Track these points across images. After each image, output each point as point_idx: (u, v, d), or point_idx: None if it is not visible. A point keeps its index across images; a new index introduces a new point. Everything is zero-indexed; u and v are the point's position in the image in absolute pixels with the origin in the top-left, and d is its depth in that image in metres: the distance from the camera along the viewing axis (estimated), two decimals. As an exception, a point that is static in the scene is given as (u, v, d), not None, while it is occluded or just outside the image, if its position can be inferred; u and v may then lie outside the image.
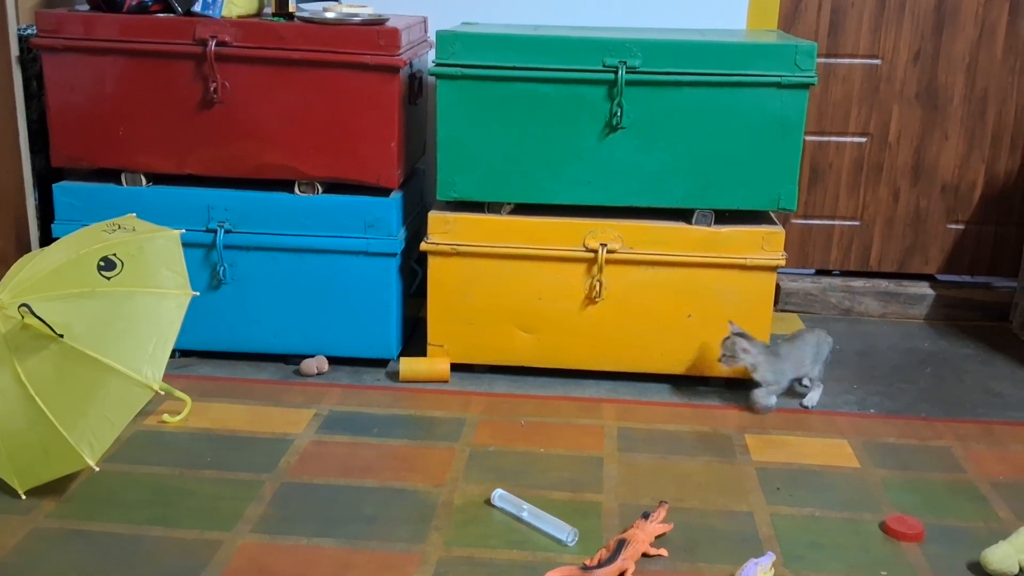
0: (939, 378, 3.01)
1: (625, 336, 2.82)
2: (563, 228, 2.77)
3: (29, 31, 2.84)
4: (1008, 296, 3.48)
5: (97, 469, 2.15)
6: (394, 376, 2.87)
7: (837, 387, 2.90)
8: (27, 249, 2.88)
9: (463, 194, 2.80)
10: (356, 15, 2.78)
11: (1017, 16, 3.35)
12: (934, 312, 3.52)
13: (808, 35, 3.39)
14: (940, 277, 3.62)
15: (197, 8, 2.76)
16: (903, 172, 3.50)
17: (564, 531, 2.08)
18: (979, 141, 3.46)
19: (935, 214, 3.54)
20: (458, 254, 2.80)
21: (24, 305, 2.10)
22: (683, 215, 2.80)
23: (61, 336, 2.11)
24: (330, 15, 2.77)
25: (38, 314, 2.10)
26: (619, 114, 2.70)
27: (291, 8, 2.86)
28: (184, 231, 2.44)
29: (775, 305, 3.14)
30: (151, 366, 2.19)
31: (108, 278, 2.22)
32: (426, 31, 3.10)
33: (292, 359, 2.92)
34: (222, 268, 2.83)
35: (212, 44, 2.69)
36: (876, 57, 3.41)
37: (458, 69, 2.70)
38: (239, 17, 2.81)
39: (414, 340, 3.05)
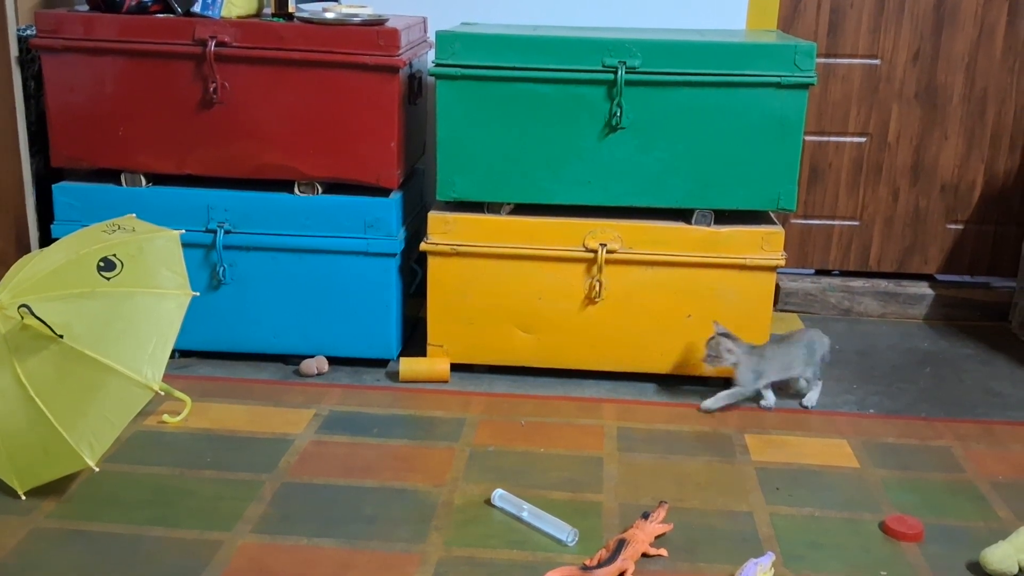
0: (939, 378, 3.01)
1: (625, 336, 2.82)
2: (563, 228, 2.77)
3: (28, 31, 2.84)
4: (1007, 296, 3.49)
5: (97, 469, 2.15)
6: (394, 376, 2.87)
7: (837, 387, 2.90)
8: (27, 250, 2.88)
9: (463, 194, 2.80)
10: (356, 15, 2.78)
11: (1016, 16, 3.36)
12: (933, 312, 3.52)
13: (807, 35, 3.39)
14: (939, 277, 3.62)
15: (197, 8, 2.76)
16: (902, 172, 3.50)
17: (564, 531, 2.08)
18: (978, 141, 3.46)
19: (934, 214, 3.54)
20: (458, 254, 2.80)
21: (24, 306, 2.10)
22: (683, 215, 2.80)
23: (61, 336, 2.11)
24: (330, 15, 2.77)
25: (38, 314, 2.10)
26: (619, 114, 2.70)
27: (291, 8, 2.86)
28: (184, 231, 2.44)
29: (775, 305, 3.14)
30: (151, 366, 2.19)
31: (108, 278, 2.22)
32: (426, 31, 3.10)
33: (292, 359, 2.92)
34: (222, 268, 2.83)
35: (212, 44, 2.69)
36: (875, 57, 3.41)
37: (458, 69, 2.70)
38: (239, 17, 2.82)
39: (414, 340, 3.05)
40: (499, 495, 2.20)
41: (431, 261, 2.81)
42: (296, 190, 2.82)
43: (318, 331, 2.87)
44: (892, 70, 3.42)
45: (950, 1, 3.35)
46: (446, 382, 2.84)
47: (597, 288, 2.78)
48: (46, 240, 2.87)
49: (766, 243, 2.76)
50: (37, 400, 2.11)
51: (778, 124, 2.71)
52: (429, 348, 2.87)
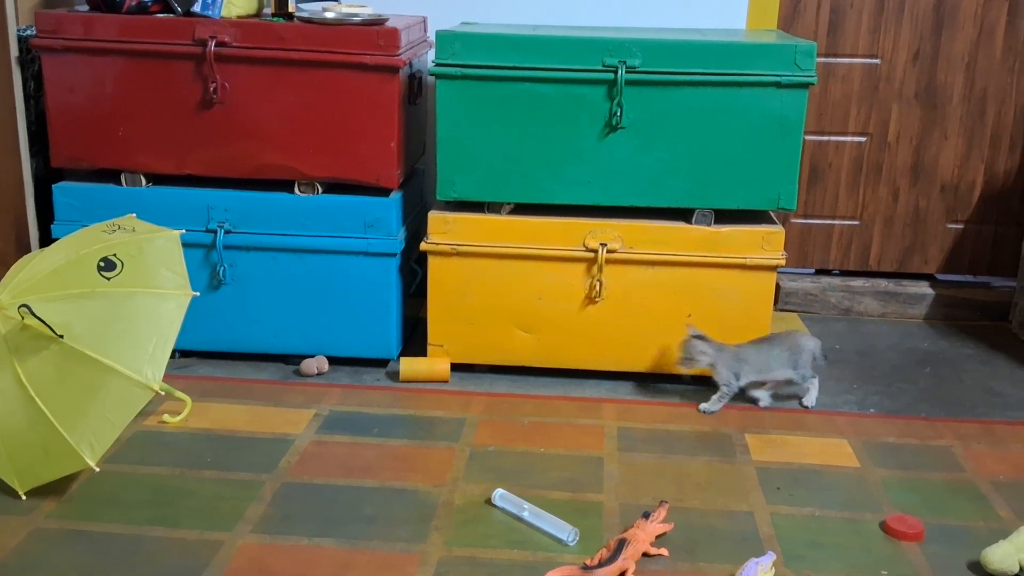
0: (939, 378, 3.01)
1: (625, 336, 2.82)
2: (563, 228, 2.77)
3: (28, 32, 2.84)
4: (1008, 296, 3.48)
5: (97, 469, 2.15)
6: (394, 376, 2.87)
7: (837, 387, 2.90)
8: (27, 250, 2.88)
9: (463, 194, 2.80)
10: (356, 15, 2.78)
11: (1016, 16, 3.35)
12: (934, 312, 3.52)
13: (807, 35, 3.39)
14: (940, 277, 3.62)
15: (196, 8, 2.76)
16: (902, 172, 3.50)
17: (565, 531, 2.08)
18: (978, 141, 3.46)
19: (935, 214, 3.54)
20: (458, 254, 2.80)
21: (24, 306, 2.10)
22: (683, 215, 2.80)
23: (61, 337, 2.11)
24: (330, 15, 2.77)
25: (38, 315, 2.10)
26: (619, 114, 2.70)
27: (290, 8, 2.86)
28: (184, 231, 2.43)
29: (775, 305, 3.14)
30: (151, 366, 2.19)
31: (108, 278, 2.22)
32: (426, 31, 3.10)
33: (292, 359, 2.92)
34: (222, 268, 2.82)
35: (212, 44, 2.69)
36: (875, 57, 3.41)
37: (458, 69, 2.70)
38: (238, 17, 2.81)
39: (414, 340, 3.05)
40: (500, 495, 2.20)
41: (431, 261, 2.81)
42: (296, 190, 2.82)
43: (318, 331, 2.87)
44: (892, 70, 3.42)
45: (950, 1, 3.35)
46: (446, 382, 2.84)
47: (597, 288, 2.78)
48: (46, 240, 2.87)
49: (766, 243, 2.76)
50: (37, 400, 2.11)
51: (778, 124, 2.71)
52: (429, 348, 2.87)
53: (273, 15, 2.88)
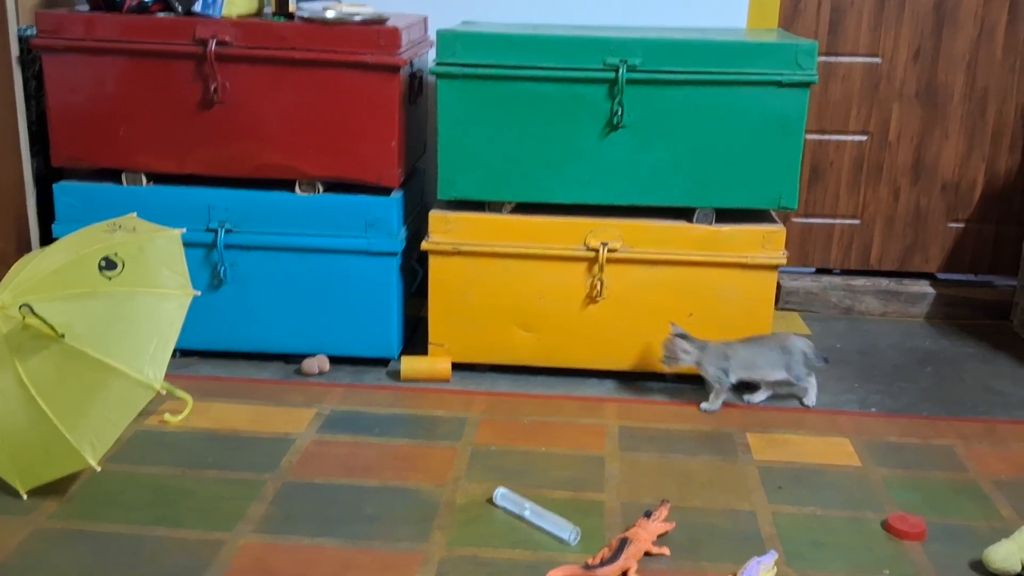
0: (940, 377, 3.01)
1: (626, 335, 2.82)
2: (564, 227, 2.77)
3: (29, 31, 2.84)
4: (1009, 295, 3.48)
5: (99, 469, 2.15)
6: (395, 375, 2.86)
7: (838, 386, 2.90)
8: (27, 249, 2.87)
9: (464, 193, 2.80)
10: (356, 14, 2.78)
11: (1016, 15, 3.35)
12: (935, 311, 3.52)
13: (808, 34, 3.39)
14: (941, 276, 3.62)
15: (197, 8, 2.76)
16: (903, 171, 3.50)
17: (566, 530, 2.07)
18: (979, 140, 3.46)
19: (935, 213, 3.54)
20: (459, 253, 2.80)
21: (25, 305, 2.10)
22: (684, 214, 2.80)
23: (62, 336, 2.11)
24: (330, 15, 2.77)
25: (39, 314, 2.10)
26: (620, 113, 2.69)
27: (291, 8, 2.86)
28: (185, 231, 2.43)
29: (775, 304, 3.13)
30: (152, 366, 2.18)
31: (109, 278, 2.22)
32: (426, 30, 3.10)
33: (293, 359, 2.92)
34: (223, 268, 2.82)
35: (212, 44, 2.69)
36: (876, 56, 3.41)
37: (458, 68, 2.70)
38: (239, 17, 2.81)
39: (415, 339, 3.05)
40: (501, 494, 2.20)
41: (432, 260, 2.81)
42: (297, 189, 2.81)
43: (319, 330, 2.87)
44: (893, 69, 3.42)
45: (950, 0, 3.35)
46: (447, 381, 2.84)
47: (598, 287, 2.78)
48: (47, 240, 2.87)
49: (767, 242, 2.76)
50: (39, 400, 2.11)
51: (779, 123, 2.71)
52: (430, 347, 2.87)
53: (274, 14, 2.88)
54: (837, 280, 3.57)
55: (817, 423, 2.66)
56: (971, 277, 3.61)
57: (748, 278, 2.78)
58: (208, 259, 2.83)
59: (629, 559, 1.95)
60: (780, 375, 2.71)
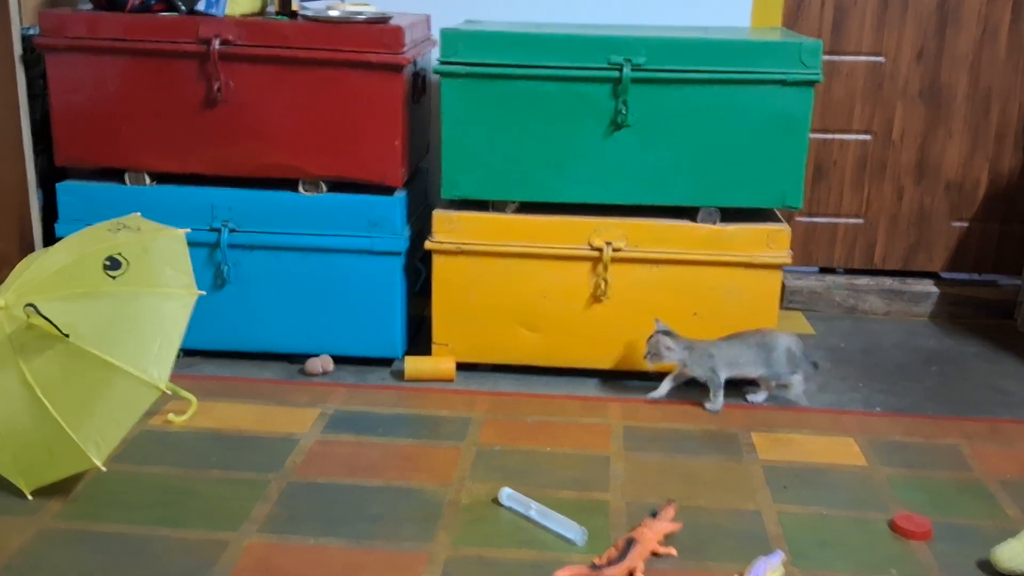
0: (944, 376, 3.00)
1: (630, 335, 2.81)
2: (568, 227, 2.77)
3: (32, 31, 2.83)
4: (1013, 294, 3.48)
5: (103, 469, 2.14)
6: (399, 375, 2.86)
7: (842, 385, 2.90)
8: (30, 249, 2.87)
9: (467, 193, 2.79)
10: (359, 13, 2.78)
11: (1020, 15, 3.35)
12: (939, 310, 3.51)
13: (811, 33, 3.39)
14: (944, 275, 3.61)
15: (200, 7, 2.75)
16: (907, 170, 3.50)
17: (573, 530, 2.07)
18: (983, 139, 3.45)
19: (939, 212, 3.53)
20: (462, 253, 2.79)
21: (30, 305, 2.10)
22: (688, 213, 2.79)
23: (67, 336, 2.11)
24: (334, 13, 2.77)
25: (44, 314, 2.09)
26: (624, 112, 2.69)
27: (294, 7, 2.86)
28: (189, 230, 2.43)
29: (779, 303, 3.13)
30: (157, 366, 2.18)
31: (113, 278, 2.22)
32: (429, 29, 3.10)
33: (297, 358, 2.91)
34: (226, 267, 2.82)
35: (216, 43, 2.69)
36: (879, 55, 3.41)
37: (462, 67, 2.70)
38: (242, 16, 2.81)
39: (419, 339, 3.04)
40: (507, 494, 2.19)
41: (436, 260, 2.81)
42: (300, 189, 2.81)
43: (323, 330, 2.86)
44: (896, 68, 3.41)
45: (954, -1, 3.35)
46: (451, 381, 2.84)
47: (602, 287, 2.78)
48: (50, 239, 2.87)
49: (772, 241, 2.75)
50: (43, 400, 2.11)
51: (783, 122, 2.70)
52: (434, 347, 2.87)
53: (277, 13, 2.88)
54: (841, 279, 3.56)
55: (822, 423, 2.66)
56: (975, 276, 3.61)
57: (752, 277, 2.77)
58: (211, 259, 2.82)
59: (636, 559, 1.94)
60: (760, 371, 2.70)
